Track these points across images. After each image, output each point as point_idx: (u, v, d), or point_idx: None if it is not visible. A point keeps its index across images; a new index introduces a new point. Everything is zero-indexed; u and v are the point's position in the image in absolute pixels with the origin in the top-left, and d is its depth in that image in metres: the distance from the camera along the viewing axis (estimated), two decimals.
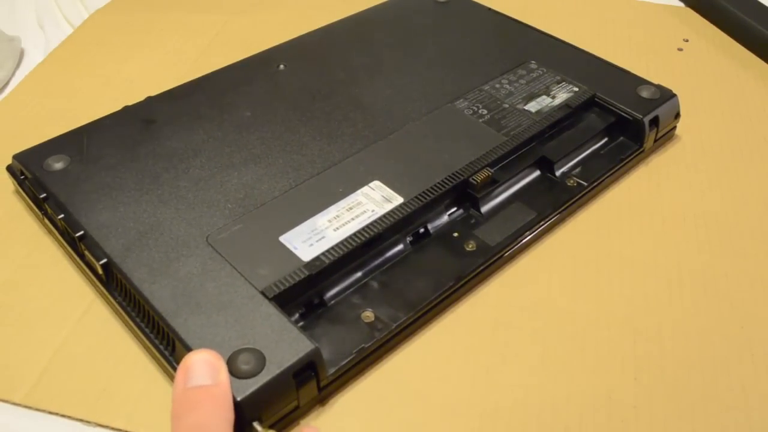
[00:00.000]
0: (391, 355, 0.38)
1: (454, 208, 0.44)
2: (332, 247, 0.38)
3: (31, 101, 0.58)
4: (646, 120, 0.49)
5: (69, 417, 0.36)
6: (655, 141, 0.51)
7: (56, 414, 0.36)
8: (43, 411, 0.36)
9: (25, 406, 0.36)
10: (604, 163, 0.48)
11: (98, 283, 0.40)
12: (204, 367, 0.31)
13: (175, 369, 0.35)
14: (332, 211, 0.40)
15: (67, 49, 0.64)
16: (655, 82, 0.52)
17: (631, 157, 0.49)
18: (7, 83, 0.61)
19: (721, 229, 0.45)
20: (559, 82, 0.52)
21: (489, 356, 0.38)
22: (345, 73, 0.53)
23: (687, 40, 0.65)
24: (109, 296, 0.39)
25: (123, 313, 0.38)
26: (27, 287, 0.42)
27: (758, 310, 0.40)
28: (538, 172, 0.47)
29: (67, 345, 0.39)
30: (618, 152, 0.49)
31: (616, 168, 0.48)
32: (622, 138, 0.50)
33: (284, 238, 0.39)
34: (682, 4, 0.72)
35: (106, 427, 0.35)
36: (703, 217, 0.46)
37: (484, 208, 0.44)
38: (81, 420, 0.35)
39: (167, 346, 0.35)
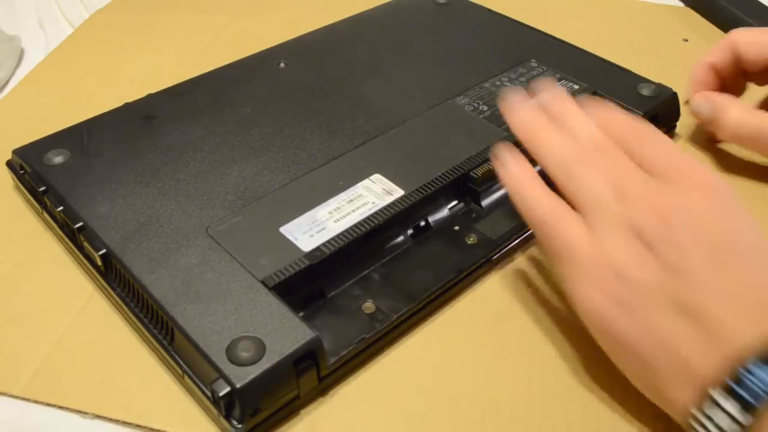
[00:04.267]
0: (392, 348, 0.38)
1: (455, 202, 0.44)
2: (333, 238, 0.38)
3: (30, 100, 0.58)
4: (646, 117, 0.49)
5: (67, 409, 0.35)
6: None
7: (54, 406, 0.35)
8: (42, 403, 0.36)
9: (24, 399, 0.36)
10: None
11: (97, 275, 0.40)
12: None
13: (174, 360, 0.34)
14: (333, 203, 0.40)
15: (67, 49, 0.64)
16: (654, 79, 0.52)
17: None
18: (6, 83, 0.61)
19: None
20: (559, 80, 0.52)
21: (490, 350, 0.38)
22: (345, 70, 0.53)
23: (686, 40, 0.65)
24: (108, 288, 0.39)
25: (122, 305, 0.38)
26: (26, 281, 0.42)
27: None
28: (539, 167, 0.47)
29: (65, 338, 0.38)
30: None
31: None
32: None
33: (285, 229, 0.39)
34: (681, 4, 0.72)
35: (105, 418, 0.35)
36: None
37: (485, 202, 0.44)
38: (79, 411, 0.35)
39: (166, 335, 0.35)
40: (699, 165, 0.35)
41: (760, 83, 0.51)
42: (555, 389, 0.36)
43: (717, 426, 0.29)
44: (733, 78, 0.50)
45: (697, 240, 0.32)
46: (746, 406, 0.28)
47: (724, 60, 0.49)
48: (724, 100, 0.48)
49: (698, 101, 0.49)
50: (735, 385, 0.29)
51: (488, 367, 0.37)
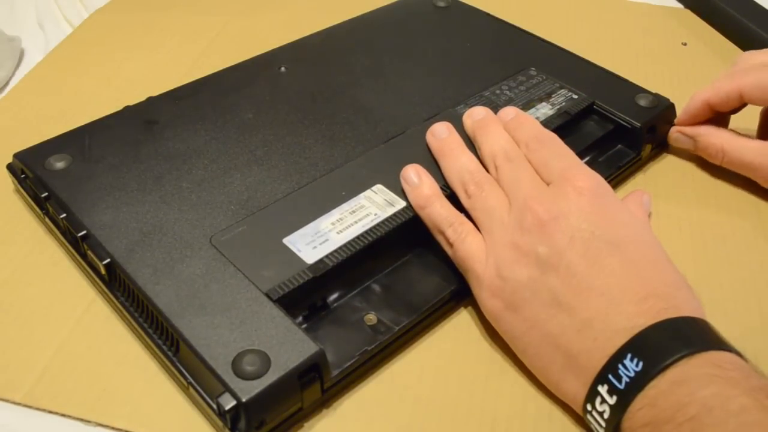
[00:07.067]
0: (392, 360, 0.38)
1: None
2: (336, 250, 0.38)
3: (30, 100, 0.58)
4: (644, 128, 0.49)
5: (69, 416, 0.36)
6: (653, 149, 0.51)
7: (57, 413, 0.36)
8: (44, 410, 0.36)
9: (26, 406, 0.36)
10: (602, 169, 0.48)
11: (100, 283, 0.40)
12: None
13: (179, 371, 0.35)
14: (335, 214, 0.41)
15: (66, 49, 0.64)
16: (653, 84, 0.52)
17: (629, 164, 0.50)
18: (6, 83, 0.61)
19: (717, 239, 0.46)
20: (558, 89, 0.52)
21: (487, 364, 0.38)
22: (346, 76, 0.53)
23: (685, 44, 0.66)
24: (111, 296, 0.39)
25: (125, 314, 0.38)
26: (27, 286, 0.42)
27: (753, 320, 0.41)
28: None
29: (67, 344, 0.39)
30: (616, 159, 0.50)
31: (613, 175, 0.49)
32: (619, 146, 0.51)
33: (288, 240, 0.39)
34: (680, 6, 0.72)
35: (107, 426, 0.35)
36: (699, 226, 0.47)
37: None
38: (81, 419, 0.35)
39: (171, 346, 0.35)
40: (582, 170, 0.39)
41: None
42: (550, 404, 0.36)
43: (600, 415, 0.32)
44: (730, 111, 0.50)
45: (573, 237, 0.35)
46: (621, 400, 0.31)
47: (726, 102, 0.48)
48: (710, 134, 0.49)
49: (676, 137, 0.51)
50: (613, 379, 0.31)
51: (485, 382, 0.37)
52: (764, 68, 0.47)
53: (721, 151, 0.48)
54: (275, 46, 0.57)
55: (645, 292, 0.33)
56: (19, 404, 0.36)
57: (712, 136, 0.49)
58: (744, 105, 0.49)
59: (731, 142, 0.48)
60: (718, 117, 0.50)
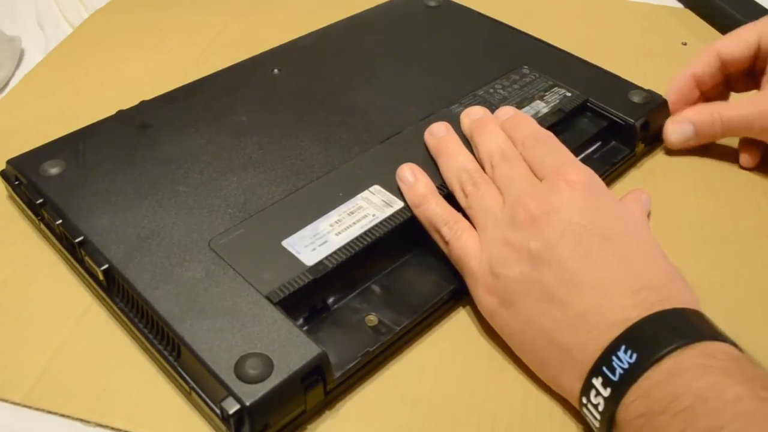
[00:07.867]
0: (393, 360, 0.38)
1: None
2: (335, 252, 0.38)
3: (30, 101, 0.57)
4: (637, 124, 0.49)
5: (69, 417, 0.36)
6: (647, 145, 0.52)
7: (56, 413, 0.36)
8: (43, 410, 0.36)
9: (25, 406, 0.36)
10: (597, 166, 0.48)
11: (98, 289, 0.40)
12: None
13: (180, 375, 0.35)
14: (333, 215, 0.41)
15: (66, 49, 0.64)
16: (653, 84, 0.53)
17: (623, 161, 0.50)
18: (6, 83, 0.61)
19: (714, 236, 0.46)
20: (551, 87, 0.52)
21: (487, 362, 0.38)
22: (340, 77, 0.53)
23: (685, 44, 0.66)
24: (109, 302, 0.39)
25: (125, 319, 0.38)
26: (26, 287, 0.42)
27: (752, 318, 0.41)
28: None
29: (67, 344, 0.39)
30: (610, 156, 0.50)
31: (608, 171, 0.49)
32: (614, 142, 0.51)
33: (286, 243, 0.39)
34: (680, 5, 0.72)
35: (107, 427, 0.35)
36: (696, 223, 0.47)
37: None
38: (81, 420, 0.36)
39: (172, 351, 0.35)
40: (575, 165, 0.39)
41: (740, 89, 0.52)
42: (550, 403, 0.36)
43: (596, 408, 0.32)
44: (714, 89, 0.51)
45: (565, 231, 0.35)
46: (615, 392, 0.31)
47: (708, 70, 0.50)
48: (710, 107, 0.50)
49: (673, 129, 0.51)
50: (607, 371, 0.31)
51: (485, 380, 0.37)
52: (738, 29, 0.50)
53: (718, 118, 0.49)
54: (275, 46, 0.57)
55: (638, 285, 0.34)
56: (18, 404, 0.36)
57: (707, 108, 0.50)
58: (727, 82, 0.51)
59: (724, 105, 0.50)
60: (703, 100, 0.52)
